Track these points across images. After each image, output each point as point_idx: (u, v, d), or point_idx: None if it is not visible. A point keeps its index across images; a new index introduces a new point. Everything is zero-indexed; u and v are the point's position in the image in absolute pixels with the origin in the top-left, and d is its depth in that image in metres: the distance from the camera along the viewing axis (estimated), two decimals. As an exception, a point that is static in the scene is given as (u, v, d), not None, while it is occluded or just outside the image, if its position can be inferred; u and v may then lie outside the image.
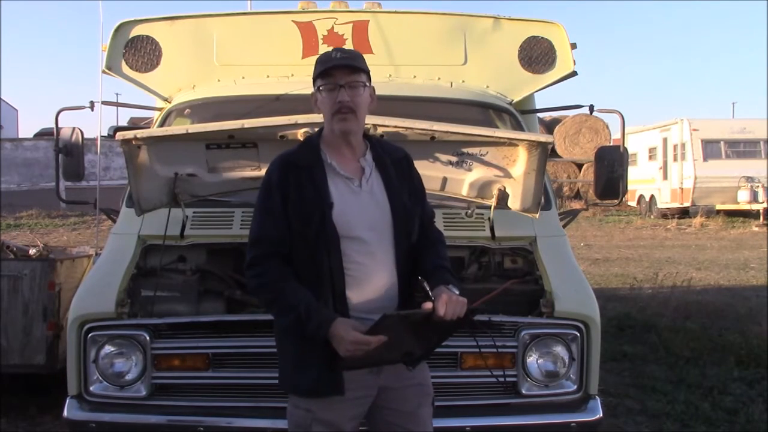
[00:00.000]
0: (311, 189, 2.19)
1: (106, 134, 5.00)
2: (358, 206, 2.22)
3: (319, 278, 2.17)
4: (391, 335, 2.06)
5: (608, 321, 6.62)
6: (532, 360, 2.91)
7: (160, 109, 4.22)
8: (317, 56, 2.30)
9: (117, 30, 3.99)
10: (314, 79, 2.25)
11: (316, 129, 2.40)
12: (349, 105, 2.17)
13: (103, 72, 4.02)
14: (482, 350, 2.59)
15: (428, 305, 2.08)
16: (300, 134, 2.98)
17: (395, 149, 2.40)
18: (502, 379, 2.67)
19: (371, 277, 2.20)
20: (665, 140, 20.94)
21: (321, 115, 2.29)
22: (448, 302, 2.07)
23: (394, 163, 2.33)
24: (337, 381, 2.16)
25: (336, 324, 2.07)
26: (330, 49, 2.44)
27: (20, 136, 25.36)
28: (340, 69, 2.18)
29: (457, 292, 2.14)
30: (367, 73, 2.25)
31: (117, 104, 4.83)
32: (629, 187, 7.51)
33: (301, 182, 2.20)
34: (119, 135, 2.91)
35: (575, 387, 2.95)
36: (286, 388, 2.29)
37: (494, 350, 2.74)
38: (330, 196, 2.19)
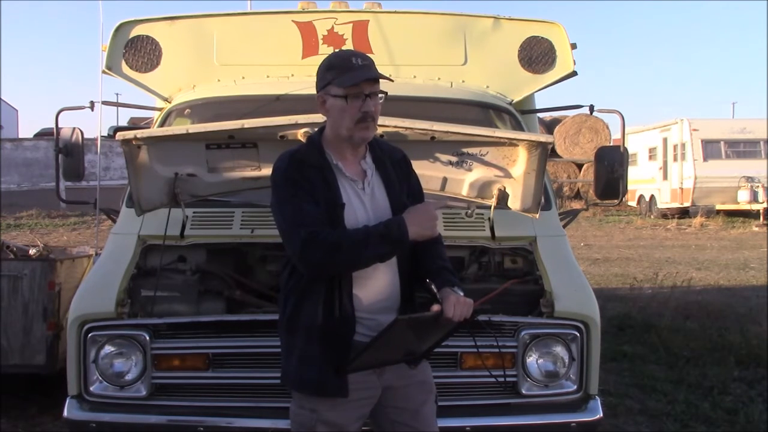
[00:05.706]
0: (324, 188, 2.20)
1: (106, 134, 5.00)
2: (364, 208, 2.25)
3: (330, 277, 2.18)
4: (398, 337, 2.09)
5: (608, 321, 6.62)
6: (532, 360, 2.91)
7: (160, 109, 4.22)
8: (319, 56, 2.29)
9: (117, 30, 3.99)
10: (331, 83, 2.19)
11: (316, 129, 2.40)
12: (373, 114, 2.20)
13: (103, 72, 4.02)
14: (480, 350, 2.59)
15: (436, 307, 2.13)
16: (300, 134, 2.98)
17: (394, 150, 2.42)
18: (502, 380, 2.68)
19: (376, 278, 2.22)
20: (665, 140, 20.93)
21: (321, 116, 2.29)
22: (456, 304, 2.12)
23: (393, 164, 2.36)
24: (341, 382, 2.17)
25: (405, 214, 2.16)
26: (336, 49, 2.42)
27: (20, 136, 25.36)
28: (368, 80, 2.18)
29: (462, 294, 2.18)
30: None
31: (117, 104, 4.83)
32: (629, 187, 7.52)
33: (312, 180, 2.20)
34: (119, 135, 2.91)
35: (575, 387, 2.94)
36: (291, 384, 2.28)
37: (495, 350, 2.74)
38: (341, 196, 2.21)
